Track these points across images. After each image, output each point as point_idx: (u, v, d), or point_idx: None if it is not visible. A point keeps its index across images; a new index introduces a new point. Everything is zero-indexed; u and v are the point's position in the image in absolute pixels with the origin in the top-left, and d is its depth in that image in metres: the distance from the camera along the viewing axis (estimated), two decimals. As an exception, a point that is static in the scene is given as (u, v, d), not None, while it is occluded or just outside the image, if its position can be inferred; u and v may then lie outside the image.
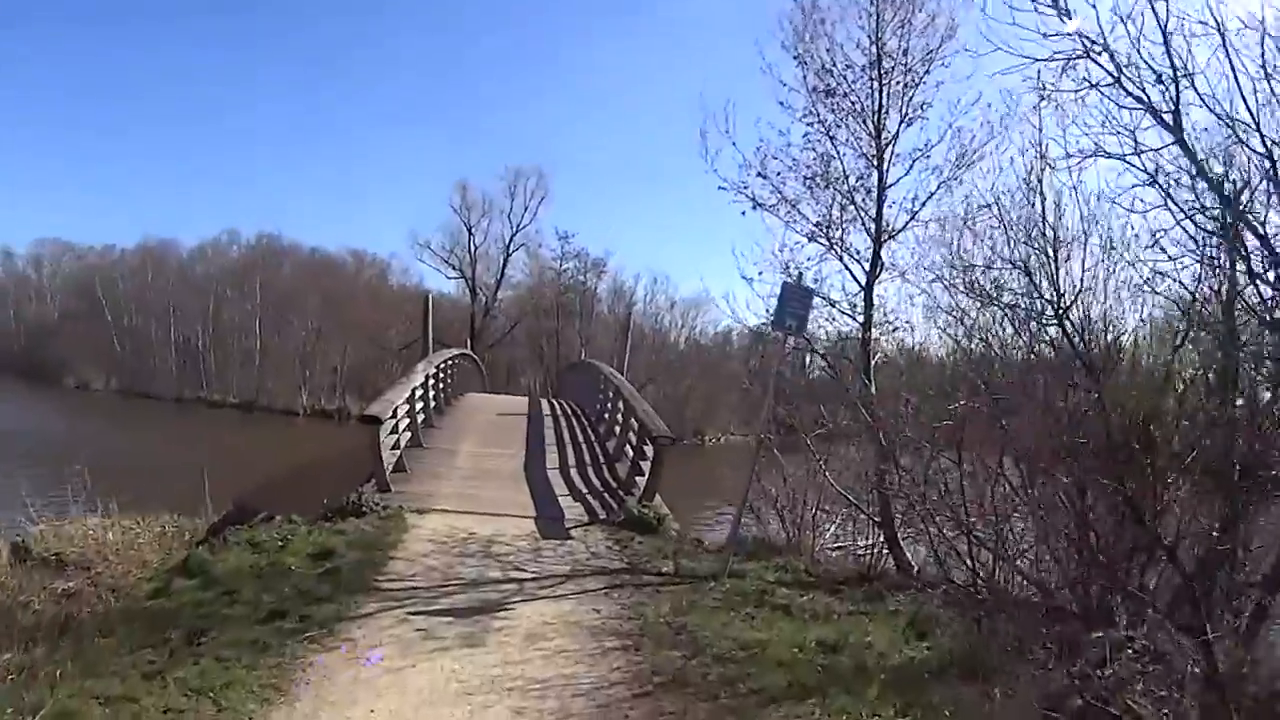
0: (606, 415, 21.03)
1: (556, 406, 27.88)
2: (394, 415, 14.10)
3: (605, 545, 11.30)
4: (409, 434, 16.06)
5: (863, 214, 13.99)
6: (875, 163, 13.96)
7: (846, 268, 13.89)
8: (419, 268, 76.50)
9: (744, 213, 13.93)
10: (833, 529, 14.33)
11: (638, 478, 14.42)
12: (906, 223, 13.85)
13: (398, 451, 14.42)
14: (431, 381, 19.97)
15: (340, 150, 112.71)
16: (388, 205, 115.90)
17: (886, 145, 13.93)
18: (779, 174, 13.84)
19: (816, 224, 14.01)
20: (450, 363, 24.60)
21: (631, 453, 15.62)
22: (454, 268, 74.04)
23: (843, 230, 13.95)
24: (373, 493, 12.48)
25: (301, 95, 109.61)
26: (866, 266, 13.99)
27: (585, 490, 14.67)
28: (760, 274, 13.96)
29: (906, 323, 13.81)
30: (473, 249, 73.52)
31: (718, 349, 74.83)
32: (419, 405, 17.76)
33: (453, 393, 25.81)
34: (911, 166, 13.85)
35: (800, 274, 12.22)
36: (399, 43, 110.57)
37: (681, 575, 10.19)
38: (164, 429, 45.30)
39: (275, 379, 64.77)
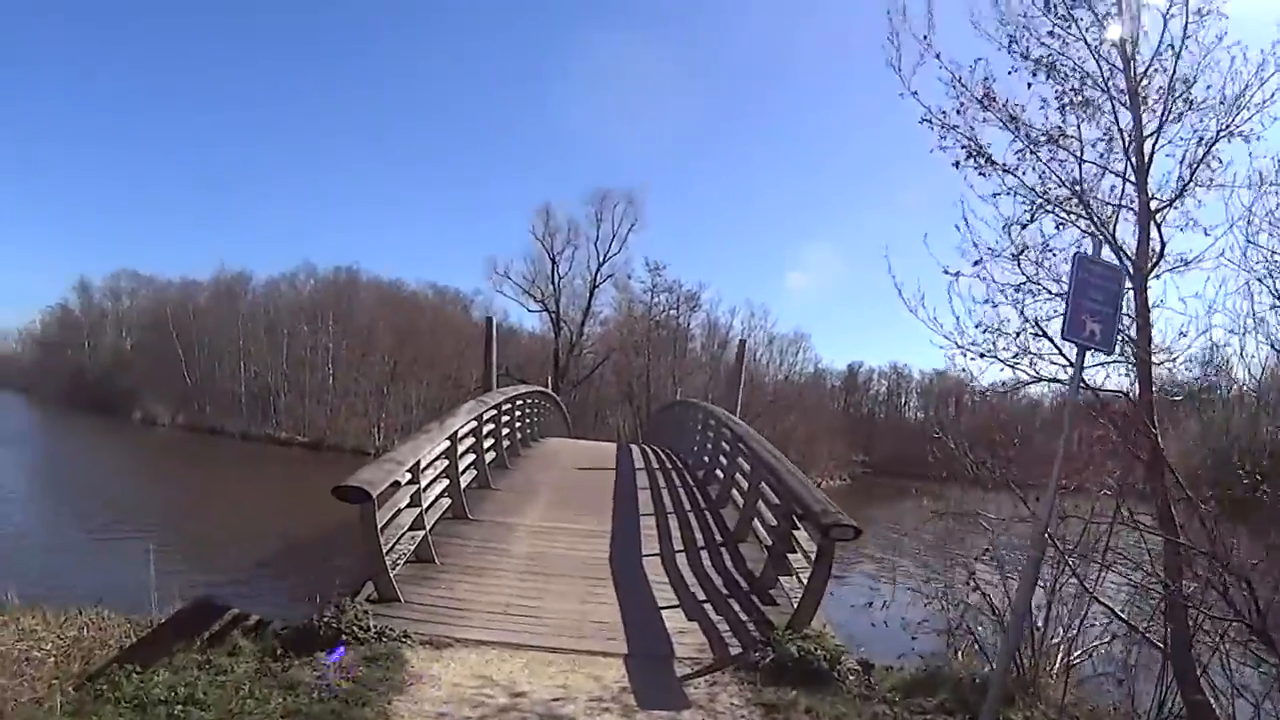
0: (720, 472, 15.94)
1: (651, 456, 22.63)
2: (413, 480, 9.43)
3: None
4: (447, 500, 11.38)
5: (1127, 175, 9.09)
6: (1128, 101, 9.07)
7: (1116, 252, 8.83)
8: (504, 303, 72.33)
9: (957, 164, 9.14)
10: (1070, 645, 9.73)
11: (782, 578, 9.51)
12: (1183, 186, 8.83)
13: (420, 533, 9.63)
14: (489, 427, 15.29)
15: (429, 187, 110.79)
16: (476, 243, 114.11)
17: (1141, 77, 9.02)
18: (1011, 103, 9.07)
19: (1051, 189, 9.20)
20: (521, 401, 19.87)
21: (768, 535, 10.68)
22: (536, 300, 70.41)
23: (1117, 201, 9.11)
24: (364, 606, 7.74)
25: (392, 126, 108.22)
26: (1132, 254, 9.00)
27: (702, 597, 9.62)
28: (978, 263, 9.08)
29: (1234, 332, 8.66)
30: (556, 279, 69.91)
31: (811, 389, 72.35)
32: (468, 460, 13.08)
33: (526, 438, 21.17)
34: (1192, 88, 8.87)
35: (1100, 244, 7.31)
36: (488, 72, 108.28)
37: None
38: (208, 472, 41.57)
39: (348, 417, 61.25)
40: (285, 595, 15.01)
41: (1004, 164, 9.05)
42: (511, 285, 70.74)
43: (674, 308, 68.20)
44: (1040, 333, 8.81)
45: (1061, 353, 8.59)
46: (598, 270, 69.93)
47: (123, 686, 6.17)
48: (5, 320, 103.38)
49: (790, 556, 9.39)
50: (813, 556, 8.59)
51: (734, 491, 13.94)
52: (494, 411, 15.64)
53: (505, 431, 17.44)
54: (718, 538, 12.62)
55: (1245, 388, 9.21)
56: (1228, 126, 8.57)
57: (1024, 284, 9.09)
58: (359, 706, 6.02)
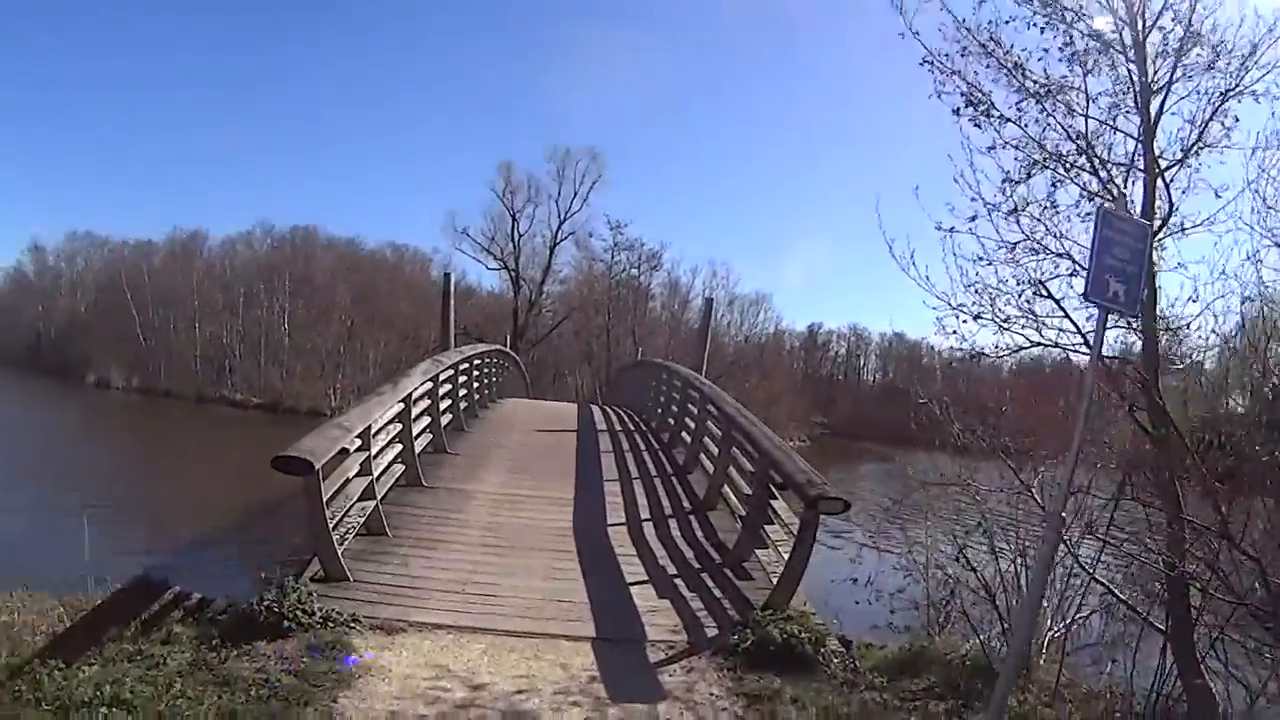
0: (686, 435, 15.29)
1: (613, 417, 21.95)
2: (363, 447, 8.71)
3: (731, 713, 5.96)
4: (401, 467, 10.72)
5: (1138, 135, 8.59)
6: (1134, 53, 8.51)
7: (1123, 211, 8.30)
8: (463, 262, 71.10)
9: (957, 111, 8.64)
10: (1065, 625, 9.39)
11: (759, 551, 8.93)
12: (1192, 145, 8.31)
13: (371, 504, 8.91)
14: (446, 388, 14.60)
15: (390, 146, 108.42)
16: (437, 202, 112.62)
17: (1149, 29, 8.48)
18: (1014, 50, 8.60)
19: (1054, 142, 8.71)
20: (479, 361, 19.01)
21: (740, 504, 10.14)
22: (496, 258, 69.44)
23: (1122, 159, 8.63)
24: (309, 587, 7.07)
25: (350, 85, 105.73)
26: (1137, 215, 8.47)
27: (673, 571, 8.99)
28: (974, 219, 8.56)
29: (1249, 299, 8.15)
30: (516, 237, 69.04)
31: (771, 349, 72.30)
32: (423, 423, 12.42)
33: (484, 399, 20.47)
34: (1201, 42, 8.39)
35: (1104, 202, 6.76)
36: (446, 28, 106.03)
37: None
38: (158, 436, 40.28)
39: (304, 378, 60.15)
40: (236, 567, 14.28)
41: (1004, 114, 8.53)
42: (470, 243, 69.71)
43: (635, 267, 67.41)
44: (1044, 294, 8.28)
45: (1068, 316, 8.13)
46: (558, 228, 68.98)
47: (44, 685, 5.51)
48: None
49: (767, 528, 8.82)
50: (793, 529, 8.04)
51: (702, 456, 13.37)
52: (451, 371, 14.84)
53: (463, 393, 16.67)
54: (686, 505, 12.00)
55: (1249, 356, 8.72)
56: (1238, 85, 8.07)
57: (1022, 242, 8.57)
58: (300, 706, 5.40)
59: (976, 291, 8.60)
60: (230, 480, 24.94)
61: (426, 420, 12.74)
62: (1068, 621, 9.06)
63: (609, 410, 24.23)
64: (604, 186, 69.60)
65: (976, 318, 8.52)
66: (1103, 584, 8.55)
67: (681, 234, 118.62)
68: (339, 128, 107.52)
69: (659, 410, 19.36)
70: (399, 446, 10.66)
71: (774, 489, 8.87)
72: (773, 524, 8.77)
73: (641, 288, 67.86)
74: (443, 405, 14.11)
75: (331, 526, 7.60)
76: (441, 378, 13.68)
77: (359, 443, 8.52)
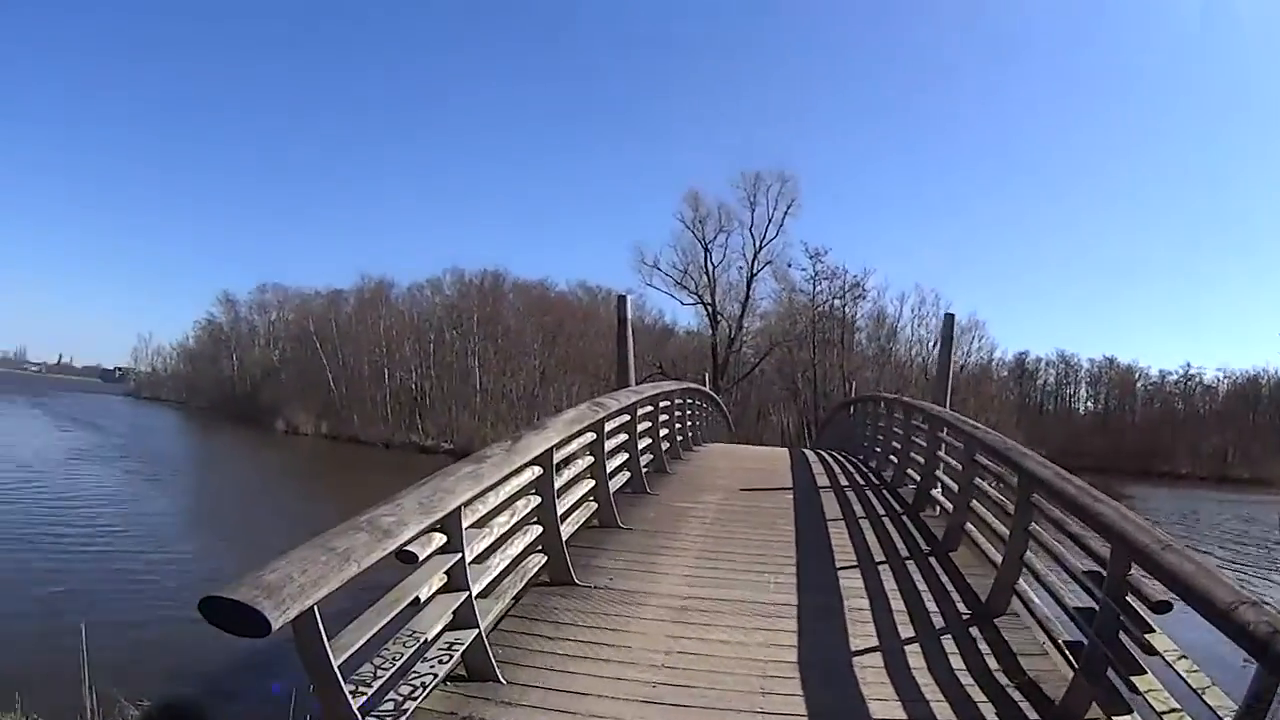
0: (944, 495, 11.28)
1: (834, 466, 17.70)
2: (450, 546, 5.36)
3: None
4: (540, 558, 7.49)
5: None
6: None
7: None
8: (660, 299, 68.58)
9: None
10: None
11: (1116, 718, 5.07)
12: None
13: (467, 634, 5.48)
14: (620, 439, 11.31)
15: (580, 187, 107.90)
16: (630, 240, 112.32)
17: None
18: None
19: None
20: (667, 403, 15.53)
21: (1055, 623, 6.48)
22: (690, 292, 66.23)
23: None
24: None
25: (551, 129, 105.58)
26: None
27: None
28: None
29: None
30: (710, 269, 65.75)
31: (984, 378, 68.17)
32: (579, 492, 9.15)
33: (677, 447, 16.86)
34: None
35: None
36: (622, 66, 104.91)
37: None
38: (334, 485, 37.86)
39: (495, 422, 58.71)
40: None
41: None
42: (662, 277, 67.31)
43: (838, 296, 63.25)
44: None
45: None
46: (754, 257, 65.67)
47: None
48: (171, 336, 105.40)
49: (1134, 679, 5.00)
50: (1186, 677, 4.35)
51: (969, 527, 9.46)
52: (625, 417, 11.35)
53: (645, 443, 13.07)
54: (961, 610, 7.82)
55: None
56: None
57: None
58: None
59: None
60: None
61: (587, 485, 9.41)
62: None
63: (825, 456, 19.99)
64: (798, 211, 66.03)
65: None
66: None
67: (879, 257, 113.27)
68: (530, 170, 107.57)
69: (892, 459, 15.23)
70: (537, 529, 7.35)
71: (1145, 606, 5.04)
72: (1144, 673, 4.99)
73: (846, 319, 63.62)
74: (613, 463, 10.64)
75: (371, 695, 4.31)
76: (608, 427, 10.22)
77: (442, 540, 5.20)
